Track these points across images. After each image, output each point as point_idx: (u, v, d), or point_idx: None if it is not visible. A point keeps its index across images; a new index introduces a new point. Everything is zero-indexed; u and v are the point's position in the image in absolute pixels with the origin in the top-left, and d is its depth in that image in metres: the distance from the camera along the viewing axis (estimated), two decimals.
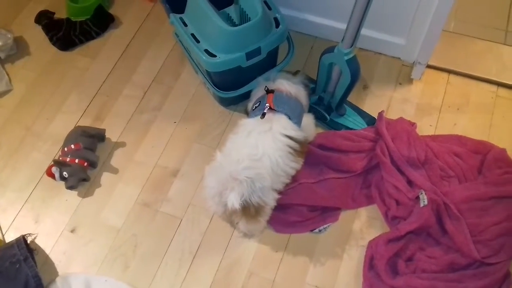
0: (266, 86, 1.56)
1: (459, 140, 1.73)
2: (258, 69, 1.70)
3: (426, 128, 1.79)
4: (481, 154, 1.69)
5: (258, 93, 1.62)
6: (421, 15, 1.70)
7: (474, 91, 1.87)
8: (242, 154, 1.37)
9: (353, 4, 1.41)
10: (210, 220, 1.63)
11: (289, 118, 1.46)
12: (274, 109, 1.46)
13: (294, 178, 1.63)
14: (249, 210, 1.35)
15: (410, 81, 1.91)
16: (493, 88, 1.88)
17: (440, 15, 1.64)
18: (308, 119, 1.60)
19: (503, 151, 1.68)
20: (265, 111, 1.46)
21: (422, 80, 1.90)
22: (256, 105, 1.55)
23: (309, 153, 1.67)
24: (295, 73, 1.73)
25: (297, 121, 1.49)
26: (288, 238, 1.59)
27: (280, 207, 1.57)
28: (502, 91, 1.87)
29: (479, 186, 1.59)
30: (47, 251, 1.60)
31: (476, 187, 1.59)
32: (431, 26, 1.70)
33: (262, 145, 1.38)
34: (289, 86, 1.56)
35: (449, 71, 1.92)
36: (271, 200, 1.40)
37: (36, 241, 1.62)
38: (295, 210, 1.61)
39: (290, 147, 1.42)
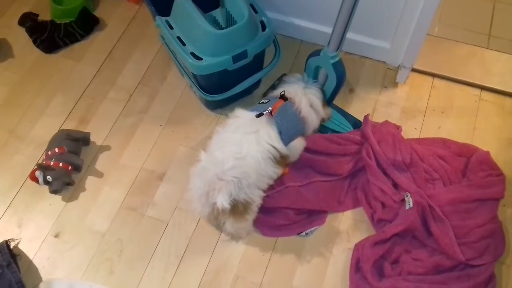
0: (283, 91, 1.53)
1: (444, 143, 1.75)
2: (244, 72, 1.70)
3: (411, 131, 1.81)
4: (465, 157, 1.71)
5: (280, 89, 1.55)
6: (405, 19, 1.72)
7: (458, 94, 1.90)
8: (227, 153, 1.36)
9: (339, 8, 1.42)
10: (197, 223, 1.62)
11: (280, 133, 1.45)
12: (273, 116, 1.45)
13: (281, 181, 1.63)
14: (237, 208, 1.35)
15: (395, 84, 1.92)
16: (477, 91, 1.90)
17: (425, 20, 1.65)
18: (298, 142, 1.56)
19: (487, 154, 1.70)
20: (264, 112, 1.45)
21: (407, 84, 1.92)
22: (265, 101, 1.53)
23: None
24: (281, 77, 1.73)
25: (286, 139, 1.47)
26: (275, 242, 1.59)
27: (267, 211, 1.58)
28: (486, 95, 1.89)
29: (463, 189, 1.61)
30: (31, 256, 1.58)
31: (461, 189, 1.61)
32: (415, 31, 1.71)
33: (247, 145, 1.38)
34: (304, 105, 1.51)
35: (434, 75, 1.94)
36: (257, 197, 1.41)
37: (20, 246, 1.59)
38: (282, 214, 1.61)
39: (271, 154, 1.42)
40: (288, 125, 1.48)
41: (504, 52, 1.99)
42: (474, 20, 2.11)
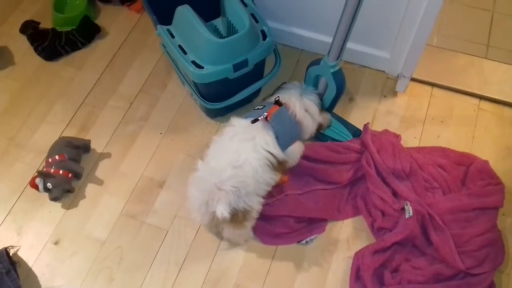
0: (278, 96, 1.53)
1: (443, 152, 1.76)
2: (245, 81, 1.71)
3: (410, 140, 1.81)
4: (465, 165, 1.71)
5: (275, 95, 1.56)
6: (405, 29, 1.73)
7: (457, 104, 1.91)
8: (224, 161, 1.36)
9: (339, 18, 1.43)
10: (197, 231, 1.62)
11: (276, 138, 1.45)
12: (268, 122, 1.45)
13: (281, 190, 1.64)
14: (237, 216, 1.35)
15: (394, 93, 1.93)
16: (476, 101, 1.91)
17: (424, 30, 1.67)
18: (296, 147, 1.56)
19: (486, 162, 1.71)
20: (259, 118, 1.45)
21: (406, 93, 1.93)
22: (260, 107, 1.52)
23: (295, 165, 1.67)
24: (280, 86, 1.74)
25: (283, 144, 1.47)
26: (275, 250, 1.59)
27: (267, 219, 1.58)
28: (484, 104, 1.90)
29: (463, 198, 1.61)
30: (30, 264, 1.57)
31: (460, 198, 1.61)
32: (415, 40, 1.73)
33: (244, 152, 1.37)
34: (299, 108, 1.51)
35: (433, 84, 1.95)
36: (256, 204, 1.40)
37: (19, 253, 1.59)
38: (282, 222, 1.61)
39: (269, 161, 1.41)
40: (284, 130, 1.48)
41: (503, 62, 2.01)
42: (472, 30, 2.13)
